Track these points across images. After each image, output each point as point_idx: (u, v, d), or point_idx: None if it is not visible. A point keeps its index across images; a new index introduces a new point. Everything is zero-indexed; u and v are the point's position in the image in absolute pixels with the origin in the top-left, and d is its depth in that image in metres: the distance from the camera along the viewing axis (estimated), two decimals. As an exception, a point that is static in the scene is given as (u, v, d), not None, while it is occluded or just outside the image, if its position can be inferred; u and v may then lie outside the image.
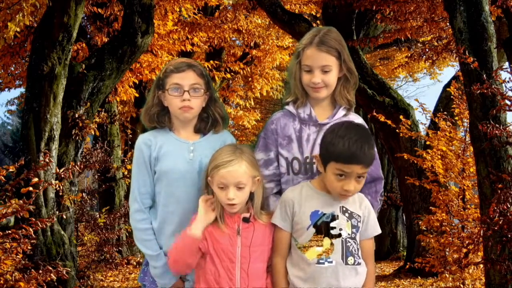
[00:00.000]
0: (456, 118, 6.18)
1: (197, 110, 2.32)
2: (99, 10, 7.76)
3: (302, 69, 2.29)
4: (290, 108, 2.36)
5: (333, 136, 2.08)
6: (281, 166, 2.33)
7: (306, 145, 2.31)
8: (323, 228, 2.14)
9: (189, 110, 2.29)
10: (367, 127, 2.35)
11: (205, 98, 2.33)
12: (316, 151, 2.28)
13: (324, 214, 2.14)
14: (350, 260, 2.14)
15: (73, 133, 6.14)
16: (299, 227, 2.15)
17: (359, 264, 2.17)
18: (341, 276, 2.11)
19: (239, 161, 2.14)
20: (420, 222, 6.06)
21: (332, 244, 2.13)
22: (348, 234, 2.15)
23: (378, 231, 2.25)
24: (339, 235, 2.13)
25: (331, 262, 2.12)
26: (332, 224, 2.13)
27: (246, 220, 2.17)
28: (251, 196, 2.20)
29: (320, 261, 2.12)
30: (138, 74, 9.04)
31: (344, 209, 2.16)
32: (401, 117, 6.75)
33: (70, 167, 5.55)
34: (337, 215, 2.14)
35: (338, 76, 2.32)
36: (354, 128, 2.12)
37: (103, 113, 8.22)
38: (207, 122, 2.37)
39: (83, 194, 7.42)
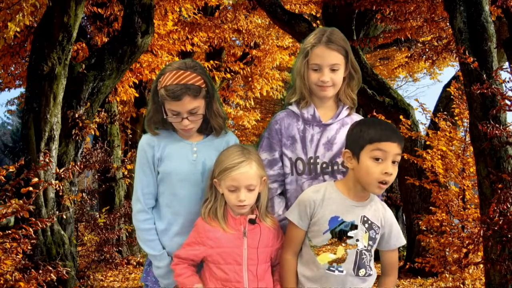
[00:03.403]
0: (456, 118, 6.18)
1: (198, 125, 2.31)
2: (99, 10, 7.74)
3: (310, 67, 2.29)
4: (294, 108, 2.36)
5: (362, 126, 2.09)
6: (285, 167, 2.32)
7: (310, 146, 2.30)
8: (339, 235, 2.10)
9: (189, 131, 2.29)
10: None
11: (205, 105, 2.29)
12: (320, 151, 2.28)
13: (344, 222, 2.08)
14: (362, 272, 2.09)
15: (73, 133, 6.13)
16: (315, 229, 2.11)
17: (370, 275, 2.12)
18: (348, 285, 2.08)
19: (249, 162, 2.12)
20: (420, 222, 6.06)
21: (346, 253, 2.08)
22: (364, 246, 2.09)
23: (402, 242, 2.18)
24: (355, 246, 2.08)
25: (341, 271, 2.08)
26: (349, 234, 2.08)
27: (252, 221, 2.15)
28: (257, 196, 2.18)
29: (331, 268, 2.08)
30: (138, 74, 9.03)
31: (365, 218, 2.10)
32: (401, 117, 6.74)
33: (70, 167, 5.53)
34: (357, 225, 2.09)
35: (343, 76, 2.33)
36: (378, 118, 2.17)
37: (103, 113, 8.19)
38: (208, 124, 2.35)
39: (83, 194, 7.42)
